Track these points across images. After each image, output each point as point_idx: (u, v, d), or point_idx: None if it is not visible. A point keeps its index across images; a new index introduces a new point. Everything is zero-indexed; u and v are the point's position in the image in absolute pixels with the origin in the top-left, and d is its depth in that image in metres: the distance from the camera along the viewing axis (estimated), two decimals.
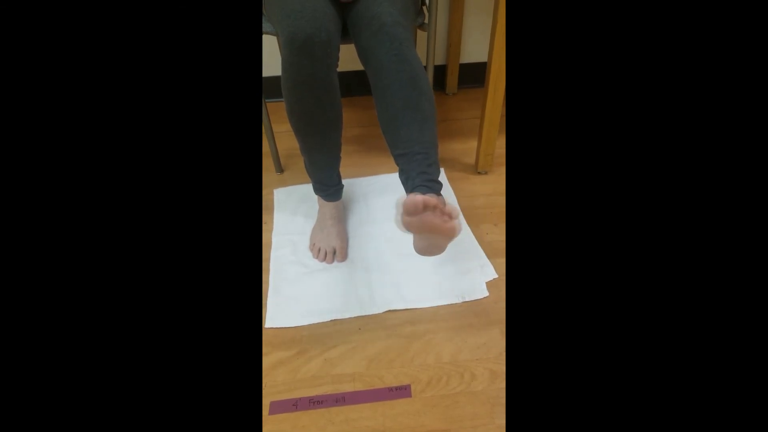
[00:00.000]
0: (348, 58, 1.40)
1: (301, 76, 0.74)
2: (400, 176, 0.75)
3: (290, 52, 0.73)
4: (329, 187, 0.96)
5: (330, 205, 0.99)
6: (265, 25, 0.90)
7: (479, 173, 1.18)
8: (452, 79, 1.46)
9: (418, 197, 0.60)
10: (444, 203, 0.63)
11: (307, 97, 0.77)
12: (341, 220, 1.01)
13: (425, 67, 0.99)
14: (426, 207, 0.60)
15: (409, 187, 0.72)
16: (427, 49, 1.03)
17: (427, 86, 0.76)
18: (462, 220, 1.05)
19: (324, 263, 0.96)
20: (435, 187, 0.72)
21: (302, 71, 0.74)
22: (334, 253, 0.97)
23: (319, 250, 0.97)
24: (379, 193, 1.12)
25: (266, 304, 0.88)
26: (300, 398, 0.75)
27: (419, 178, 0.71)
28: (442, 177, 1.17)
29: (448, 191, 1.13)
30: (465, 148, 1.26)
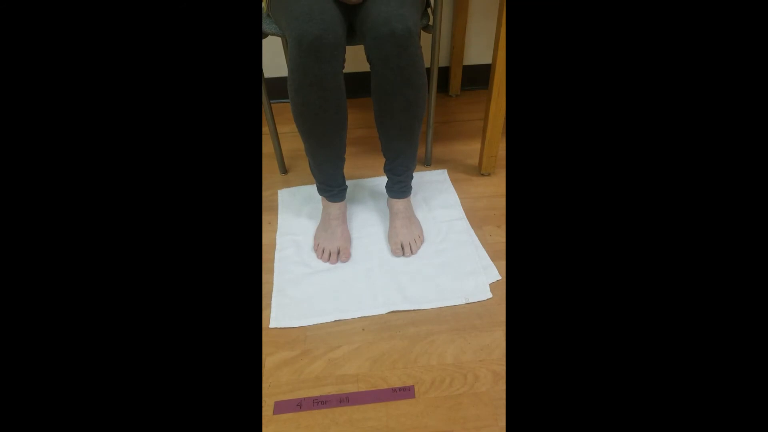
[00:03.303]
0: (352, 59, 1.40)
1: (308, 77, 0.75)
2: (386, 174, 1.00)
3: (298, 53, 0.74)
4: (333, 188, 0.97)
5: (334, 206, 0.99)
6: (270, 26, 0.90)
7: (482, 175, 1.18)
8: (455, 81, 1.47)
9: (398, 252, 0.98)
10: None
11: (313, 98, 0.78)
12: (345, 221, 1.01)
13: (429, 69, 1.01)
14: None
15: (389, 189, 1.01)
16: (432, 52, 1.03)
17: (423, 106, 0.87)
18: (465, 221, 1.05)
19: (328, 264, 0.97)
20: (406, 191, 1.01)
21: (309, 73, 0.75)
22: (338, 253, 0.97)
23: (323, 250, 0.98)
24: (382, 194, 1.13)
25: (270, 304, 0.89)
26: (304, 398, 0.75)
27: (398, 186, 1.00)
28: (446, 179, 1.17)
29: (450, 193, 1.13)
30: (468, 150, 1.27)
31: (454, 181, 1.17)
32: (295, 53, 0.74)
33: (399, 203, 1.00)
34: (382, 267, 0.95)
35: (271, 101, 1.13)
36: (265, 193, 1.15)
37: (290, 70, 0.77)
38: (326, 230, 0.99)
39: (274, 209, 1.10)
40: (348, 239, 1.00)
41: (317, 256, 0.98)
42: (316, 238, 1.00)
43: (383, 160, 1.23)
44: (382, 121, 0.89)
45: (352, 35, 0.85)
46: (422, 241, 1.00)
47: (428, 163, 1.22)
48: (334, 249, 0.97)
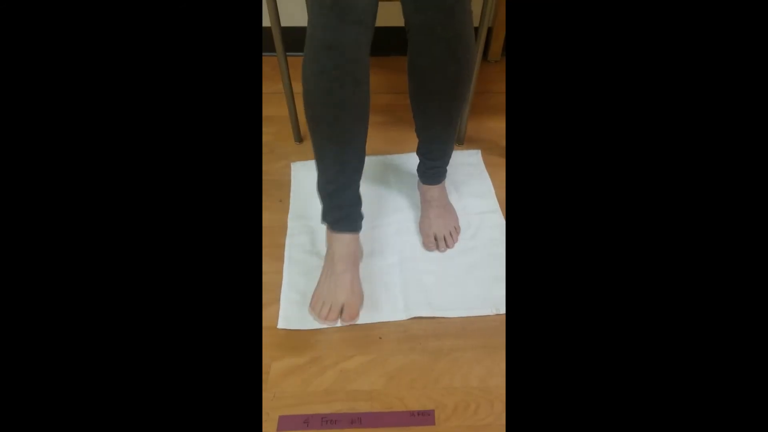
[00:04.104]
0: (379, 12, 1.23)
1: (327, 39, 0.61)
2: (419, 157, 0.88)
3: (319, 9, 0.60)
4: (342, 208, 0.72)
5: (340, 240, 0.74)
6: None
7: None
8: (497, 44, 1.30)
9: (431, 246, 0.87)
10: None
11: (330, 66, 0.62)
12: (356, 263, 0.76)
13: (477, 29, 0.86)
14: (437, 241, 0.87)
15: (421, 174, 0.89)
16: (483, 9, 0.88)
17: (469, 84, 0.77)
18: (499, 215, 0.94)
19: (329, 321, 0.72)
20: (441, 176, 0.88)
21: (329, 33, 0.61)
22: (341, 311, 0.72)
23: (323, 304, 0.71)
24: (405, 175, 1.00)
25: (279, 299, 0.80)
26: (312, 415, 0.68)
27: (433, 171, 0.87)
28: (479, 162, 1.05)
29: (484, 179, 1.01)
30: (504, 128, 1.13)
31: (487, 165, 1.04)
32: (315, 10, 0.61)
33: (433, 190, 0.88)
34: (404, 264, 0.85)
35: (288, 54, 0.98)
36: (276, 165, 1.03)
37: (308, 34, 0.63)
38: (329, 277, 0.73)
39: (286, 185, 0.98)
40: (359, 293, 0.75)
41: (314, 313, 0.72)
42: (316, 289, 0.74)
43: (411, 132, 1.10)
44: (419, 101, 0.75)
45: None
46: (459, 233, 0.90)
47: (460, 141, 1.09)
48: (336, 303, 0.71)
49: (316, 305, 0.73)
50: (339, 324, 0.73)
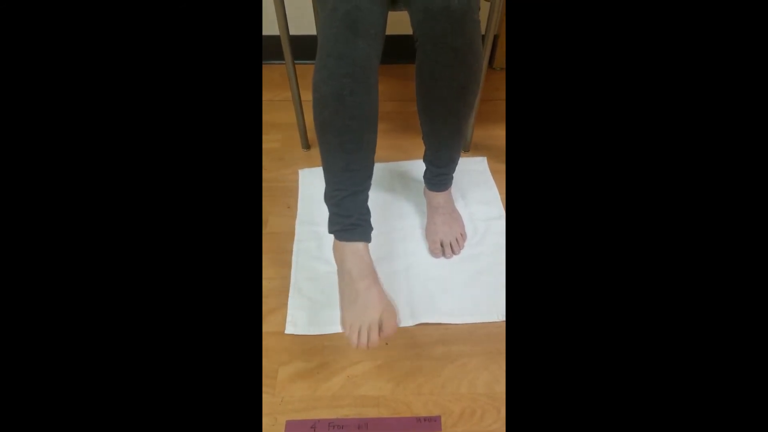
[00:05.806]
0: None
1: (337, 49, 0.62)
2: (425, 164, 0.88)
3: (330, 23, 0.62)
4: (353, 216, 0.69)
5: (355, 253, 0.69)
6: None
7: None
8: (503, 52, 1.30)
9: (437, 252, 0.88)
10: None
11: (340, 73, 0.63)
12: (375, 275, 0.70)
13: (484, 37, 0.87)
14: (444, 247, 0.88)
15: (428, 181, 0.90)
16: (489, 18, 0.89)
17: (477, 91, 0.77)
18: (505, 222, 0.95)
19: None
20: (447, 183, 0.89)
21: (339, 44, 0.62)
22: (380, 326, 0.66)
23: (360, 330, 0.66)
24: (411, 182, 1.01)
25: (287, 304, 0.81)
26: (319, 420, 0.68)
27: (439, 178, 0.88)
28: (485, 169, 1.06)
29: (490, 186, 1.02)
30: None
31: (493, 172, 1.05)
32: (326, 22, 0.62)
33: (439, 196, 0.88)
34: (410, 271, 0.86)
35: (296, 62, 0.99)
36: (284, 172, 1.04)
37: (319, 45, 0.64)
38: (355, 300, 0.68)
39: (294, 191, 0.99)
40: (391, 305, 0.69)
41: (353, 341, 0.66)
42: (343, 314, 0.70)
43: (417, 139, 1.11)
44: (427, 108, 0.76)
45: (395, 3, 0.72)
46: (465, 240, 0.90)
47: (467, 148, 1.10)
48: (373, 323, 0.66)
49: (352, 333, 0.67)
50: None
